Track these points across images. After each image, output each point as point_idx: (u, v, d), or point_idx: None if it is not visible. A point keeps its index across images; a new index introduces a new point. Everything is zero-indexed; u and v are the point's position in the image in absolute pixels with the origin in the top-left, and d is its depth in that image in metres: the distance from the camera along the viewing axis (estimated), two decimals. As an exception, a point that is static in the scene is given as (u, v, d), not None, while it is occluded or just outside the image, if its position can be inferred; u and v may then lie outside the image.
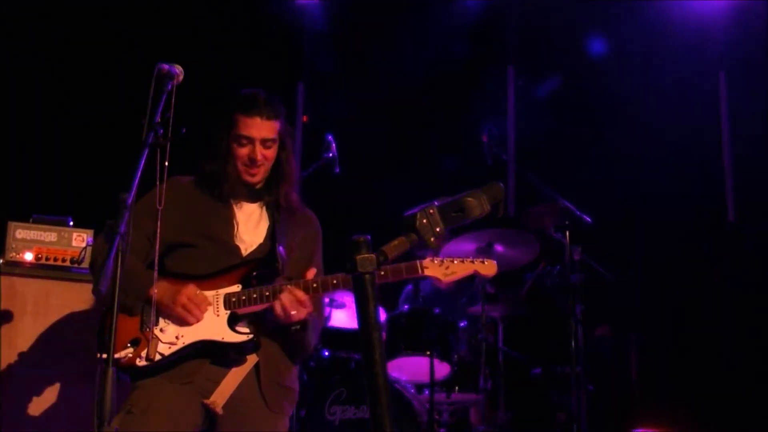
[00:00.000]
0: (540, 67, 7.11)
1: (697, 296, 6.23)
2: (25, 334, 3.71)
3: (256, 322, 2.92)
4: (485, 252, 5.15)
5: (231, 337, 2.85)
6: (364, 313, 1.75)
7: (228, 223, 3.01)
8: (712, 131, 6.74)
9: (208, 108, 3.36)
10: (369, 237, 1.78)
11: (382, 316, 5.19)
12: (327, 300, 4.98)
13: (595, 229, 4.96)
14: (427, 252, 2.92)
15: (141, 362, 2.78)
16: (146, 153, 2.55)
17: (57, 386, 3.68)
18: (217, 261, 2.93)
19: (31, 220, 3.89)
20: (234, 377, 2.86)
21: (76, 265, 3.82)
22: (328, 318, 5.15)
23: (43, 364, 3.69)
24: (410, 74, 6.79)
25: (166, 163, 2.59)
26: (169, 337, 2.83)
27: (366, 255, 1.75)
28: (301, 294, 2.83)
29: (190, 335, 2.84)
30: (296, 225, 3.11)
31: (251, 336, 2.86)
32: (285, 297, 2.82)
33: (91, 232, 3.91)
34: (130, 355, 2.79)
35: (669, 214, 6.37)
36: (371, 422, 1.71)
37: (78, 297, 3.78)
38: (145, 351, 2.77)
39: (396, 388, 4.77)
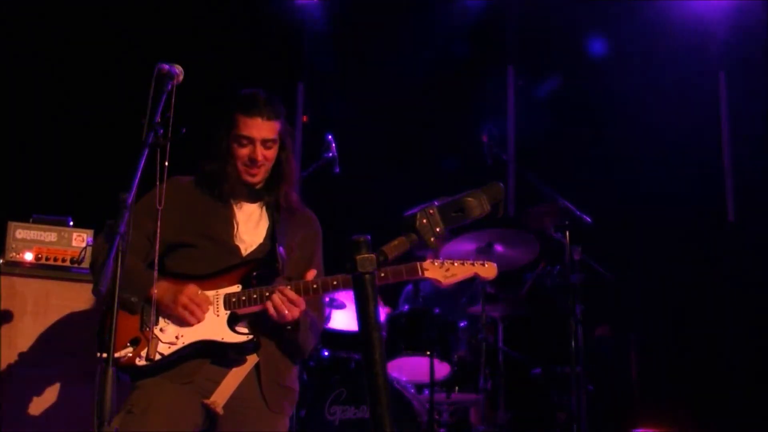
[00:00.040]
0: (540, 67, 7.11)
1: (697, 296, 6.23)
2: (25, 334, 3.71)
3: (256, 322, 2.92)
4: (485, 252, 5.15)
5: (231, 337, 2.85)
6: (364, 313, 1.75)
7: (228, 223, 3.01)
8: (712, 131, 6.74)
9: (208, 108, 3.36)
10: (369, 237, 1.78)
11: (383, 316, 5.19)
12: (327, 300, 4.98)
13: (595, 229, 4.96)
14: (427, 252, 2.91)
15: (141, 362, 2.78)
16: (146, 153, 2.55)
17: (57, 386, 3.68)
18: (217, 261, 2.93)
19: (31, 220, 3.89)
20: (234, 377, 2.87)
21: (76, 265, 3.82)
22: (328, 318, 5.15)
23: (43, 364, 3.69)
24: (410, 74, 6.79)
25: (166, 163, 2.59)
26: (169, 337, 2.83)
27: (366, 255, 1.75)
28: (292, 294, 2.83)
29: (189, 335, 2.84)
30: (296, 225, 3.11)
31: (251, 336, 2.86)
32: (276, 297, 2.82)
33: (91, 232, 3.91)
34: (130, 355, 2.79)
35: (669, 214, 6.37)
36: (371, 422, 1.71)
37: (78, 297, 3.78)
38: (145, 351, 2.77)
39: (396, 388, 4.77)
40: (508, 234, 5.24)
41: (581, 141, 6.70)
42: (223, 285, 2.90)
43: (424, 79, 6.85)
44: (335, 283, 2.88)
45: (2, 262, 3.78)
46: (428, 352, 4.86)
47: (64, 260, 3.84)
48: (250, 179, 3.03)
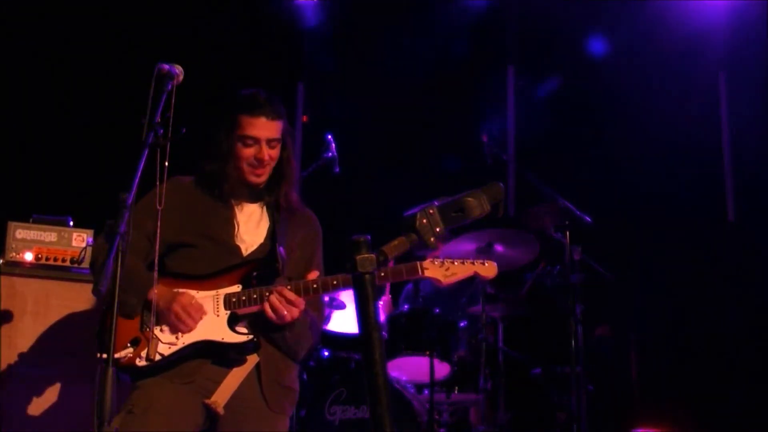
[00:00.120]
0: (540, 67, 7.11)
1: (697, 296, 6.23)
2: (25, 334, 3.71)
3: (257, 322, 2.92)
4: (485, 252, 5.15)
5: (231, 337, 2.85)
6: (364, 313, 1.75)
7: (228, 223, 3.01)
8: (712, 131, 6.74)
9: (208, 108, 3.36)
10: (369, 237, 1.78)
11: (382, 316, 5.19)
12: (327, 299, 4.98)
13: (595, 229, 4.96)
14: (427, 252, 2.92)
15: (141, 362, 2.78)
16: (146, 153, 2.55)
17: (57, 386, 3.68)
18: (218, 261, 2.93)
19: (31, 220, 3.90)
20: (235, 377, 2.87)
21: (76, 265, 3.82)
22: (328, 319, 5.15)
23: (43, 364, 3.69)
24: (410, 74, 6.79)
25: (166, 163, 2.59)
26: (169, 337, 2.83)
27: (366, 255, 1.75)
28: (290, 294, 2.83)
29: (190, 335, 2.84)
30: (296, 225, 3.11)
31: (251, 336, 2.86)
32: (274, 298, 2.82)
33: (91, 232, 3.91)
34: (130, 355, 2.79)
35: (669, 214, 6.37)
36: (371, 422, 1.71)
37: (78, 297, 3.78)
38: (145, 351, 2.77)
39: (396, 388, 4.77)
40: (508, 234, 5.24)
41: (581, 141, 6.70)
42: (223, 285, 2.90)
43: (424, 79, 6.85)
44: (335, 282, 2.88)
45: (2, 262, 3.78)
46: (428, 352, 4.86)
47: (64, 260, 3.84)
48: (255, 179, 3.03)
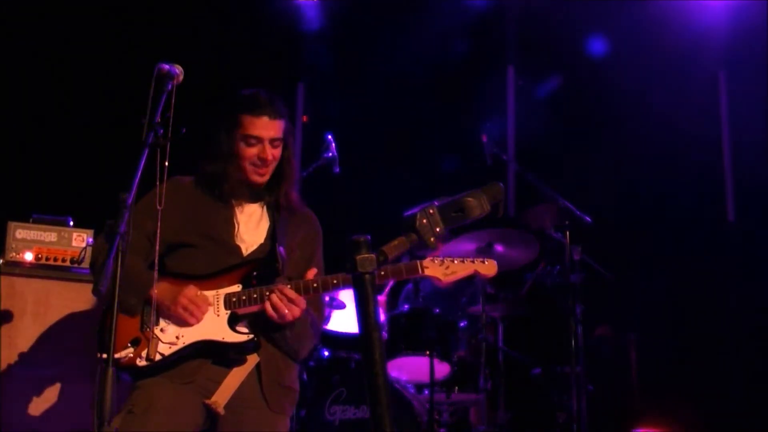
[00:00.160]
0: (540, 67, 7.11)
1: (697, 296, 6.23)
2: (25, 334, 3.71)
3: (257, 322, 2.92)
4: (485, 252, 5.16)
5: (231, 337, 2.85)
6: (364, 313, 1.75)
7: (228, 223, 3.01)
8: (712, 131, 6.74)
9: (208, 108, 3.36)
10: (369, 237, 1.78)
11: (382, 316, 5.19)
12: (327, 299, 4.98)
13: (595, 229, 4.96)
14: (427, 252, 2.91)
15: (141, 362, 2.78)
16: (146, 153, 2.55)
17: (57, 386, 3.68)
18: (218, 261, 2.94)
19: (31, 220, 3.90)
20: (235, 377, 2.87)
21: (76, 265, 3.82)
22: (328, 318, 5.15)
23: (43, 364, 3.69)
24: (410, 74, 6.78)
25: (166, 163, 2.59)
26: (170, 337, 2.83)
27: (366, 255, 1.76)
28: (291, 293, 2.83)
29: (190, 335, 2.84)
30: (296, 225, 3.11)
31: (252, 336, 2.86)
32: (275, 297, 2.82)
33: (91, 232, 3.91)
34: (131, 355, 2.79)
35: (669, 214, 6.37)
36: (371, 422, 1.71)
37: (78, 297, 3.78)
38: (146, 351, 2.77)
39: (396, 388, 4.77)
40: (508, 234, 5.24)
41: (581, 141, 6.70)
42: (223, 285, 2.90)
43: (424, 79, 6.84)
44: (335, 281, 2.88)
45: (2, 262, 3.78)
46: (428, 352, 4.86)
47: (64, 260, 3.84)
48: (258, 179, 3.03)
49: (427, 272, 2.93)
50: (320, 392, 4.77)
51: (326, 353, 5.05)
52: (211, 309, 2.87)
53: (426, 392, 4.83)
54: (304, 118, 7.14)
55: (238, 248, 2.98)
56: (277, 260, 2.94)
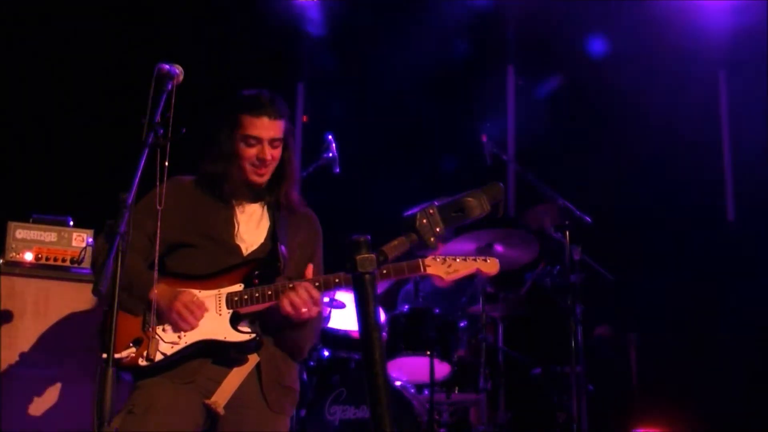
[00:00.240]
0: (540, 67, 7.10)
1: (697, 296, 6.23)
2: (25, 334, 3.71)
3: (258, 321, 2.92)
4: (485, 252, 5.16)
5: (233, 336, 2.85)
6: (364, 313, 1.75)
7: (229, 223, 3.01)
8: (712, 131, 6.74)
9: (209, 108, 3.36)
10: (369, 237, 1.78)
11: (383, 316, 5.18)
12: (326, 299, 4.98)
13: (595, 229, 4.96)
14: (427, 252, 2.91)
15: (143, 362, 2.78)
16: (146, 153, 2.55)
17: (57, 386, 3.68)
18: (218, 261, 2.94)
19: (31, 220, 3.90)
20: (235, 377, 2.87)
21: (76, 265, 3.82)
22: (328, 318, 5.15)
23: (43, 364, 3.69)
24: (410, 74, 6.78)
25: (166, 163, 2.59)
26: (172, 337, 2.83)
27: (366, 255, 1.76)
28: (315, 292, 2.83)
29: (192, 334, 2.84)
30: (297, 225, 3.11)
31: (254, 335, 2.86)
32: (294, 295, 2.81)
33: (91, 232, 3.91)
34: (133, 355, 2.79)
35: (669, 214, 6.37)
36: (371, 422, 1.71)
37: (78, 297, 3.78)
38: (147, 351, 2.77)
39: (396, 388, 4.77)
40: (508, 234, 5.24)
41: (581, 141, 6.70)
42: (224, 285, 2.90)
43: (424, 78, 6.84)
44: (337, 281, 2.88)
45: (2, 262, 3.78)
46: (428, 352, 4.86)
47: (64, 260, 3.84)
48: (257, 179, 3.03)
49: (429, 271, 2.93)
50: (320, 392, 4.78)
51: (326, 353, 5.05)
52: (212, 308, 2.87)
53: (426, 392, 4.83)
54: (304, 118, 7.14)
55: (238, 248, 2.98)
56: (278, 260, 2.94)
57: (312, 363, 5.01)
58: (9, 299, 3.72)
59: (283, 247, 2.98)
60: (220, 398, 2.83)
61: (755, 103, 6.28)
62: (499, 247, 5.24)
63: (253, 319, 2.92)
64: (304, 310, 2.82)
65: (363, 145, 6.21)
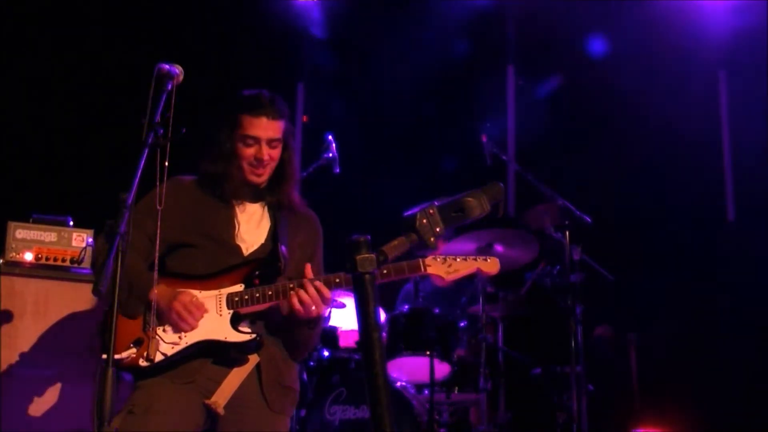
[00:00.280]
0: (540, 67, 7.11)
1: (697, 296, 6.23)
2: (25, 334, 3.71)
3: (259, 321, 2.92)
4: (485, 252, 5.15)
5: (234, 336, 2.85)
6: (364, 313, 1.75)
7: (229, 223, 3.01)
8: (712, 131, 6.74)
9: (209, 108, 3.36)
10: (369, 237, 1.78)
11: (383, 316, 5.18)
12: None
13: (595, 229, 4.96)
14: (427, 252, 2.91)
15: (143, 362, 2.78)
16: (146, 153, 2.55)
17: (57, 386, 3.68)
18: (219, 261, 2.94)
19: (31, 220, 3.90)
20: (235, 377, 2.87)
21: (76, 265, 3.82)
22: (328, 318, 5.15)
23: (43, 364, 3.69)
24: (410, 74, 6.78)
25: (166, 163, 2.59)
26: (172, 337, 2.83)
27: (366, 255, 1.76)
28: (326, 291, 2.83)
29: (193, 335, 2.84)
30: (297, 225, 3.11)
31: (254, 335, 2.86)
32: (304, 294, 2.81)
33: (91, 232, 3.91)
34: (133, 356, 2.79)
35: (669, 214, 6.37)
36: (371, 422, 1.71)
37: (78, 297, 3.78)
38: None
39: (396, 388, 4.77)
40: (508, 234, 5.24)
41: (581, 141, 6.70)
42: (224, 285, 2.90)
43: (424, 78, 6.84)
44: (337, 281, 2.88)
45: (2, 262, 3.78)
46: (428, 352, 4.86)
47: (64, 260, 3.84)
48: (255, 179, 3.03)
49: (429, 270, 2.93)
50: (320, 392, 4.77)
51: (326, 353, 5.05)
52: (213, 309, 2.87)
53: (426, 392, 4.83)
54: (304, 118, 7.14)
55: (239, 248, 2.98)
56: (278, 260, 2.94)
57: (312, 363, 5.01)
58: (9, 299, 3.72)
59: (283, 248, 2.98)
60: (220, 398, 2.83)
61: (755, 103, 6.29)
62: (499, 247, 5.24)
63: (253, 320, 2.92)
64: (313, 308, 2.82)
65: (363, 145, 6.21)
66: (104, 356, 2.35)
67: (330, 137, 4.60)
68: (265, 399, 2.90)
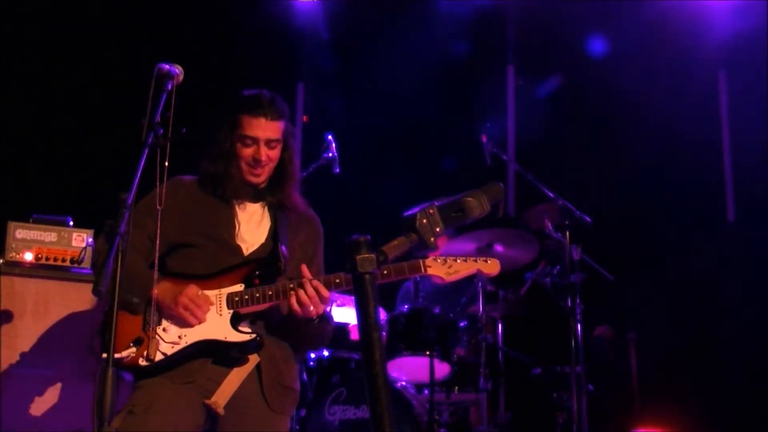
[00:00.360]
0: (540, 67, 7.11)
1: (697, 296, 6.23)
2: (25, 334, 3.71)
3: (259, 321, 2.92)
4: (485, 252, 5.16)
5: (234, 336, 2.85)
6: (364, 313, 1.75)
7: (229, 222, 3.02)
8: (712, 131, 6.74)
9: (209, 108, 3.36)
10: (369, 237, 1.78)
11: (383, 316, 5.18)
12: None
13: (595, 229, 4.96)
14: (427, 252, 2.91)
15: (143, 362, 2.79)
16: (146, 153, 2.55)
17: (57, 386, 3.68)
18: (219, 261, 2.94)
19: (31, 220, 3.90)
20: (236, 377, 2.87)
21: (76, 265, 3.82)
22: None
23: (43, 364, 3.69)
24: (410, 74, 6.79)
25: (166, 163, 2.59)
26: (172, 337, 2.83)
27: (366, 255, 1.76)
28: (324, 291, 2.82)
29: (193, 335, 2.84)
30: (298, 225, 3.11)
31: (255, 335, 2.86)
32: (303, 294, 2.80)
33: (91, 232, 3.91)
34: (133, 355, 2.79)
35: (669, 214, 6.37)
36: (371, 422, 1.71)
37: (78, 297, 3.78)
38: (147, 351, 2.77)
39: (396, 388, 4.77)
40: (508, 234, 5.24)
41: (581, 141, 6.70)
42: (224, 284, 2.90)
43: (424, 78, 6.84)
44: (337, 281, 2.88)
45: (2, 262, 3.78)
46: (428, 352, 4.86)
47: (64, 260, 3.84)
48: (253, 179, 3.03)
49: (429, 271, 2.93)
50: (320, 392, 4.78)
51: (326, 353, 5.05)
52: (213, 308, 2.87)
53: (426, 392, 4.83)
54: (304, 118, 7.14)
55: (239, 248, 2.98)
56: (279, 260, 2.94)
57: (312, 363, 5.01)
58: (9, 299, 3.72)
59: (283, 247, 2.98)
60: (220, 398, 2.83)
61: (755, 103, 6.28)
62: (499, 247, 5.24)
63: (253, 320, 2.92)
64: (311, 308, 2.82)
65: (363, 145, 6.21)
66: (104, 356, 2.35)
67: (330, 137, 4.60)
68: (266, 399, 2.90)
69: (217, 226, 3.00)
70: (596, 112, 6.72)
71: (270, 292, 2.86)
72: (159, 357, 2.78)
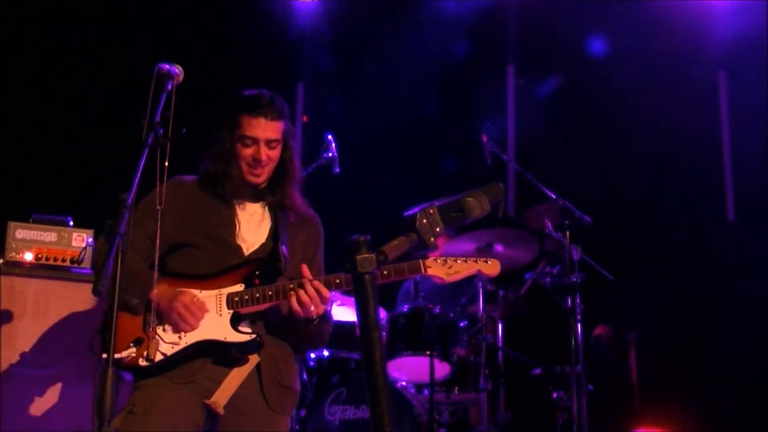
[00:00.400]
0: (540, 67, 7.11)
1: (697, 296, 6.23)
2: (25, 334, 3.71)
3: (259, 321, 2.92)
4: (485, 252, 5.16)
5: (234, 336, 2.85)
6: (364, 313, 1.75)
7: (230, 222, 3.02)
8: (712, 131, 6.74)
9: (209, 108, 3.36)
10: (369, 237, 1.78)
11: (383, 315, 5.18)
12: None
13: (595, 229, 4.96)
14: (427, 252, 2.91)
15: (143, 362, 2.79)
16: (146, 153, 2.55)
17: (57, 386, 3.68)
18: (219, 261, 2.94)
19: (31, 220, 3.89)
20: (236, 377, 2.87)
21: (76, 265, 3.81)
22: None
23: (43, 364, 3.69)
24: (410, 74, 6.79)
25: (166, 163, 2.59)
26: (172, 337, 2.83)
27: (366, 255, 1.76)
28: (325, 291, 2.82)
29: (192, 335, 2.84)
30: (298, 225, 3.11)
31: (254, 335, 2.86)
32: (303, 294, 2.80)
33: (91, 232, 3.91)
34: (133, 355, 2.79)
35: (669, 214, 6.37)
36: (371, 422, 1.71)
37: (78, 297, 3.78)
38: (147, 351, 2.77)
39: (396, 388, 4.77)
40: (508, 234, 5.24)
41: (581, 141, 6.70)
42: (225, 284, 2.90)
43: (424, 78, 6.84)
44: (337, 281, 2.88)
45: (2, 262, 3.78)
46: (428, 352, 4.86)
47: (64, 260, 3.83)
48: (253, 179, 3.03)
49: (429, 272, 2.92)
50: (320, 392, 4.77)
51: (326, 353, 5.05)
52: (213, 309, 2.87)
53: (426, 392, 4.83)
54: (304, 118, 7.14)
55: (239, 248, 2.98)
56: (279, 260, 2.94)
57: (312, 363, 5.01)
58: (9, 299, 3.72)
59: (284, 247, 2.98)
60: (220, 398, 2.83)
61: (755, 103, 6.28)
62: (499, 247, 5.24)
63: (253, 320, 2.92)
64: (312, 308, 2.81)
65: (363, 145, 6.21)
66: (104, 356, 2.35)
67: (330, 137, 4.60)
68: (265, 399, 2.90)
69: (218, 226, 3.00)
70: (596, 111, 6.71)
71: (270, 293, 2.86)
72: (159, 357, 2.78)
